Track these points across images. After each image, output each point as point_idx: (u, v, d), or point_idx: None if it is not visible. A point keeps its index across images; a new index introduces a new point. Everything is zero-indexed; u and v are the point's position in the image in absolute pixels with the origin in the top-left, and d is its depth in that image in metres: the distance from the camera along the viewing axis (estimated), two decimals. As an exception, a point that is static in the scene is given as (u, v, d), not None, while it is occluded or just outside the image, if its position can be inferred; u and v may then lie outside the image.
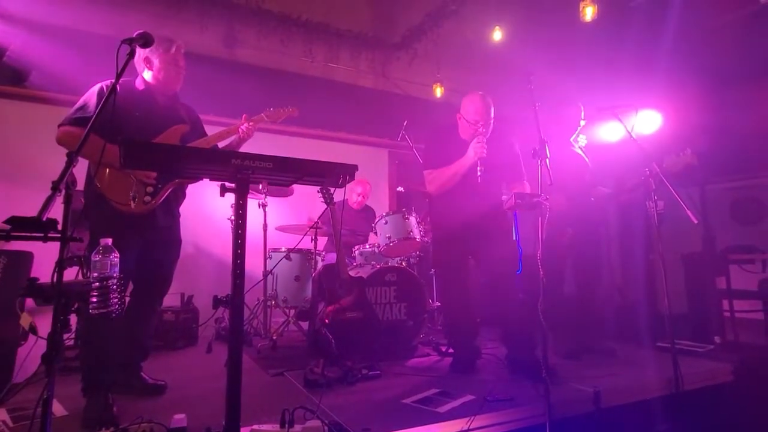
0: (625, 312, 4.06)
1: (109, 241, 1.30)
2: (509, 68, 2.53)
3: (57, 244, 1.19)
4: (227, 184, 1.57)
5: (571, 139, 3.27)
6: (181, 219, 2.47)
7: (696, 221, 2.40)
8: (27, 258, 3.04)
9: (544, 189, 2.03)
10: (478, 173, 2.46)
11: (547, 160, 2.04)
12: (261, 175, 1.58)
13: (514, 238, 2.97)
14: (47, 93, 3.38)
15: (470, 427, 1.86)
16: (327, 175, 1.68)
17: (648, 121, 3.69)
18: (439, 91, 5.05)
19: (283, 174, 1.64)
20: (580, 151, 3.28)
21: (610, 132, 4.00)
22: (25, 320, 1.99)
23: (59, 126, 2.07)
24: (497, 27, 4.33)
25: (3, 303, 2.42)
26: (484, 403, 2.06)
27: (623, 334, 3.66)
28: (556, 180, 2.03)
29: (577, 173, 3.13)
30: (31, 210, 1.18)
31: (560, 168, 2.32)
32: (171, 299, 3.72)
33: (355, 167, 1.73)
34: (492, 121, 2.68)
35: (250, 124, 2.44)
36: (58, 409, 2.05)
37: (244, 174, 1.52)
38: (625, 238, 4.94)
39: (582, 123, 3.24)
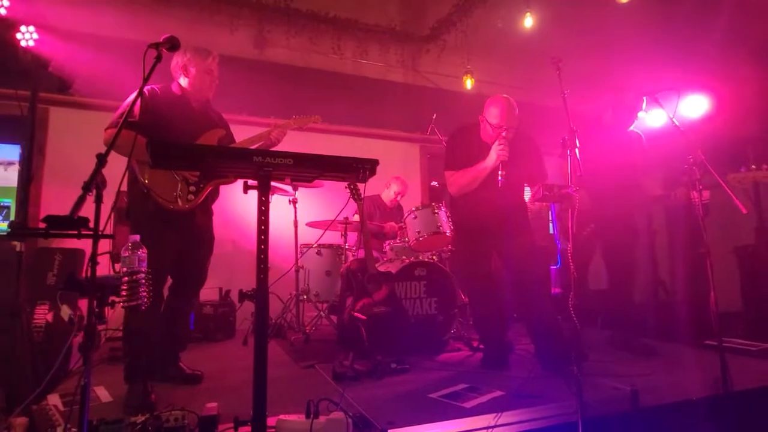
0: (670, 308, 3.86)
1: (138, 237, 1.36)
2: (541, 56, 2.44)
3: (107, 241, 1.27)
4: (250, 181, 1.61)
5: (628, 130, 3.10)
6: (220, 217, 2.57)
7: (745, 211, 2.25)
8: (79, 255, 3.26)
9: (573, 180, 1.96)
10: (500, 177, 2.42)
11: (577, 150, 1.97)
12: (282, 171, 1.61)
13: (550, 231, 2.91)
14: (91, 99, 3.61)
15: (497, 423, 1.82)
16: (348, 170, 1.69)
17: (694, 105, 3.48)
18: (469, 83, 4.96)
19: (304, 170, 1.66)
20: (640, 135, 3.10)
21: (651, 118, 3.82)
22: (65, 312, 2.13)
23: (106, 129, 2.19)
24: (528, 13, 4.20)
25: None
26: (513, 399, 2.02)
27: (667, 331, 3.48)
28: (584, 175, 1.95)
29: (613, 171, 2.96)
30: (84, 211, 1.26)
31: (594, 163, 2.23)
32: (210, 293, 3.89)
33: (376, 161, 1.72)
34: (516, 124, 2.59)
35: (279, 130, 2.51)
36: (104, 395, 2.19)
37: (265, 171, 1.55)
38: (671, 231, 4.70)
39: (642, 114, 3.07)
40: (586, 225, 2.94)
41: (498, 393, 2.14)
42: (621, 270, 3.08)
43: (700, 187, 2.42)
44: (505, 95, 2.64)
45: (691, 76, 3.60)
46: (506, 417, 1.86)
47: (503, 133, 2.51)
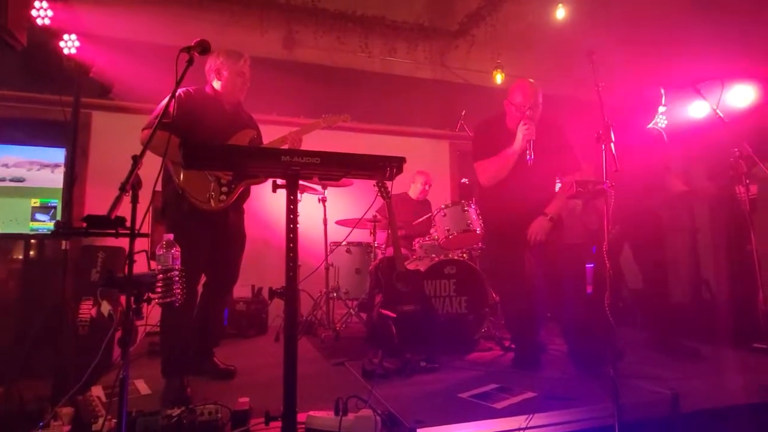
0: (714, 309, 3.68)
1: (172, 236, 1.41)
2: (574, 48, 2.38)
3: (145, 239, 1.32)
4: (278, 181, 1.63)
5: (648, 126, 2.99)
6: (252, 215, 2.63)
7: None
8: (120, 252, 3.40)
9: (609, 176, 1.89)
10: (529, 156, 2.40)
11: (612, 145, 1.90)
12: (310, 170, 1.63)
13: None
14: (129, 103, 3.76)
15: (528, 425, 1.79)
16: (374, 168, 1.69)
17: (740, 95, 3.29)
18: (499, 78, 4.87)
19: (331, 169, 1.67)
20: (660, 131, 2.99)
21: (694, 110, 3.64)
22: (104, 308, 2.23)
23: (142, 130, 2.28)
24: (560, 4, 4.08)
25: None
26: (545, 401, 1.97)
27: (711, 333, 3.32)
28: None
29: (635, 171, 2.85)
30: (122, 211, 1.31)
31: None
32: (242, 290, 3.98)
33: (402, 159, 1.72)
34: (540, 107, 2.58)
35: (296, 130, 2.56)
36: (143, 387, 2.28)
37: (293, 170, 1.57)
38: (715, 228, 4.48)
39: (662, 109, 2.95)
40: (612, 225, 2.85)
41: (530, 394, 2.09)
42: (653, 269, 2.98)
43: (747, 181, 2.30)
44: (529, 78, 2.63)
45: (736, 64, 3.40)
46: (538, 419, 1.82)
47: (527, 113, 2.51)
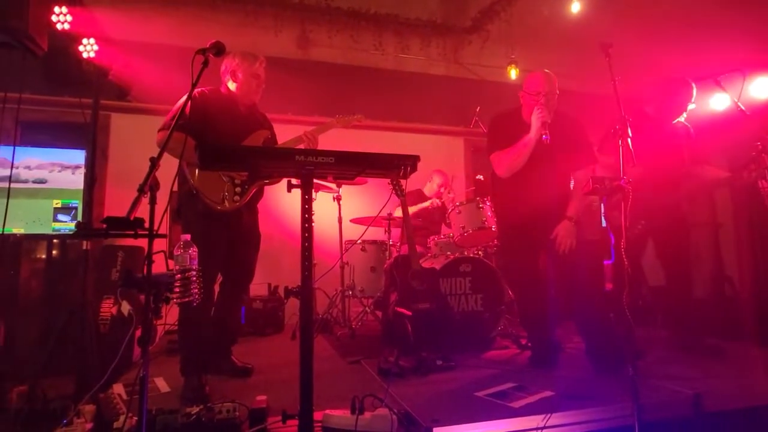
0: (737, 306, 3.59)
1: (189, 236, 1.43)
2: (590, 42, 2.34)
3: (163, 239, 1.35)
4: (293, 181, 1.64)
5: (674, 122, 2.92)
6: (268, 214, 2.65)
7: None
8: (139, 252, 3.46)
9: (626, 172, 1.85)
10: (546, 137, 2.38)
11: (630, 140, 1.86)
12: (324, 170, 1.63)
13: (603, 225, 2.80)
14: (147, 104, 3.83)
15: (546, 425, 1.77)
16: (388, 167, 1.69)
17: (761, 87, 3.21)
18: (513, 73, 4.82)
19: (345, 168, 1.68)
20: (687, 126, 2.93)
21: (715, 102, 3.55)
22: (125, 308, 2.27)
23: (158, 131, 2.31)
24: (575, -3, 4.02)
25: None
26: (563, 400, 1.95)
27: (735, 330, 3.24)
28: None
29: (663, 163, 2.79)
30: (141, 211, 1.34)
31: (639, 158, 2.10)
32: (259, 289, 4.02)
33: (417, 157, 1.71)
34: (556, 96, 2.55)
35: (311, 129, 2.56)
36: (162, 385, 2.32)
37: (307, 170, 1.58)
38: (738, 224, 4.36)
39: (692, 106, 2.87)
40: (637, 221, 2.80)
41: (547, 393, 2.07)
42: (676, 266, 2.92)
43: (771, 175, 2.23)
44: (544, 69, 2.61)
45: (759, 55, 3.30)
46: (556, 418, 1.80)
47: (542, 100, 2.49)
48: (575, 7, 4.06)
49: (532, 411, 1.85)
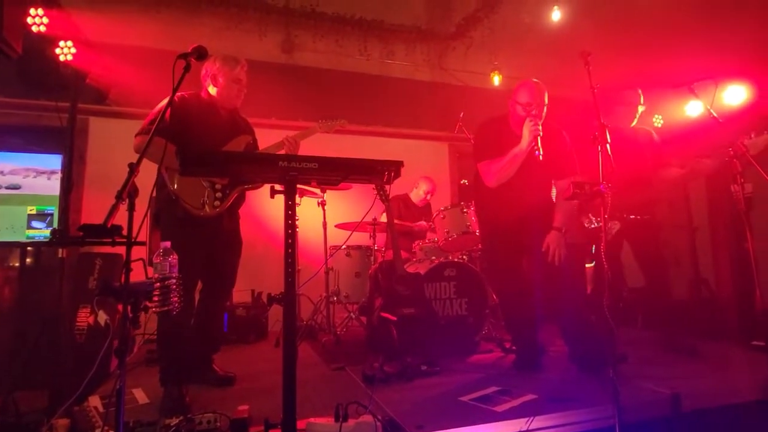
0: (713, 307, 3.68)
1: (168, 244, 1.40)
2: (571, 50, 2.38)
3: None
4: (276, 186, 1.62)
5: (631, 126, 3.02)
6: (250, 219, 2.62)
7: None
8: (118, 260, 3.39)
9: (605, 177, 1.89)
10: (538, 153, 2.36)
11: (608, 146, 1.90)
12: (307, 175, 1.62)
13: (585, 225, 2.86)
14: (126, 108, 3.77)
15: (529, 428, 1.78)
16: (372, 173, 1.69)
17: (732, 95, 3.31)
18: (497, 79, 4.88)
19: (329, 174, 1.67)
20: (649, 130, 3.03)
21: (689, 109, 3.65)
22: (101, 318, 2.21)
23: (136, 135, 2.27)
24: (556, 6, 4.10)
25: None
26: (546, 403, 1.96)
27: (711, 331, 3.32)
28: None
29: (627, 164, 2.87)
30: (119, 218, 1.30)
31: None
32: (242, 295, 3.97)
33: (400, 163, 1.71)
34: (545, 108, 2.56)
35: (293, 135, 2.54)
36: (141, 396, 2.27)
37: (291, 175, 1.57)
38: (713, 227, 4.48)
39: (641, 108, 2.97)
40: (611, 224, 2.88)
41: (530, 396, 2.09)
42: (653, 267, 3.00)
43: (742, 180, 2.30)
44: (534, 79, 2.62)
45: (729, 64, 3.41)
46: (539, 421, 1.81)
47: (533, 111, 2.49)
48: (556, 15, 4.14)
49: (515, 414, 1.86)
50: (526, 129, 2.44)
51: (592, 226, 2.96)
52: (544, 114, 2.57)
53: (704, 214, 4.87)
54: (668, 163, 3.00)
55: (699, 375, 2.38)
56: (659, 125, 3.26)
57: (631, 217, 2.88)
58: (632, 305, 3.71)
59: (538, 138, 2.39)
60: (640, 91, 2.94)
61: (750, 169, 2.29)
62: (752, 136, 2.35)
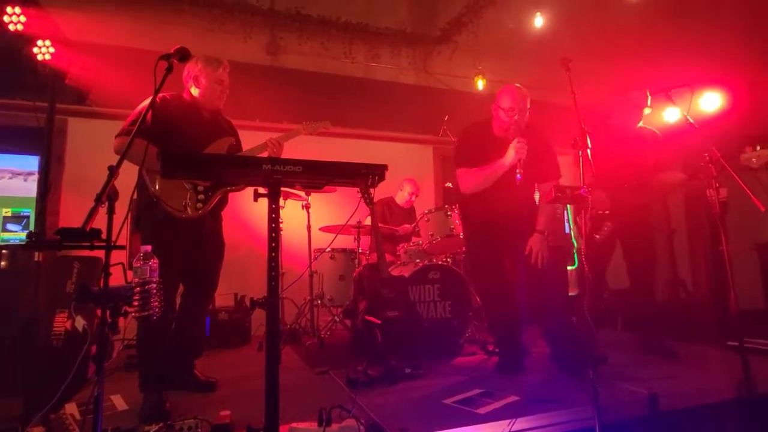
0: (691, 308, 3.78)
1: (149, 248, 1.38)
2: (553, 56, 2.43)
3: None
4: (260, 190, 1.61)
5: (639, 126, 3.06)
6: (234, 222, 2.58)
7: (764, 209, 2.19)
8: (97, 263, 3.32)
9: (586, 181, 1.92)
10: (518, 175, 2.38)
11: (588, 151, 1.93)
12: (292, 179, 1.61)
13: (567, 231, 2.90)
14: (107, 109, 3.70)
15: (512, 430, 1.80)
16: (357, 177, 1.69)
17: (708, 101, 3.40)
18: (481, 84, 4.94)
19: (313, 177, 1.66)
20: (654, 131, 3.08)
21: (667, 115, 3.74)
22: (78, 323, 2.17)
23: (116, 137, 2.22)
24: (538, 12, 4.17)
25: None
26: (528, 405, 1.99)
27: (688, 332, 3.40)
28: (599, 175, 1.93)
29: (628, 165, 2.92)
30: (98, 221, 1.28)
31: (608, 163, 2.20)
32: (225, 299, 3.92)
33: (385, 167, 1.72)
34: (527, 112, 2.60)
35: (277, 137, 2.52)
36: (120, 403, 2.22)
37: (275, 179, 1.56)
38: (691, 230, 4.59)
39: (647, 110, 3.01)
40: (603, 225, 2.91)
41: (513, 398, 2.11)
42: (640, 269, 3.04)
43: (717, 184, 2.36)
44: (517, 84, 2.65)
45: (705, 72, 3.52)
46: (521, 423, 1.83)
47: (515, 116, 2.52)
48: (538, 22, 4.21)
49: (497, 416, 1.88)
50: (513, 148, 2.44)
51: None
52: (525, 118, 2.60)
53: (682, 218, 4.99)
54: (670, 166, 3.05)
55: (676, 375, 2.43)
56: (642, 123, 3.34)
57: (624, 220, 2.92)
58: (613, 307, 3.78)
59: (521, 160, 2.40)
60: (648, 93, 2.96)
61: (725, 173, 2.35)
62: (757, 147, 2.38)
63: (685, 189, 3.77)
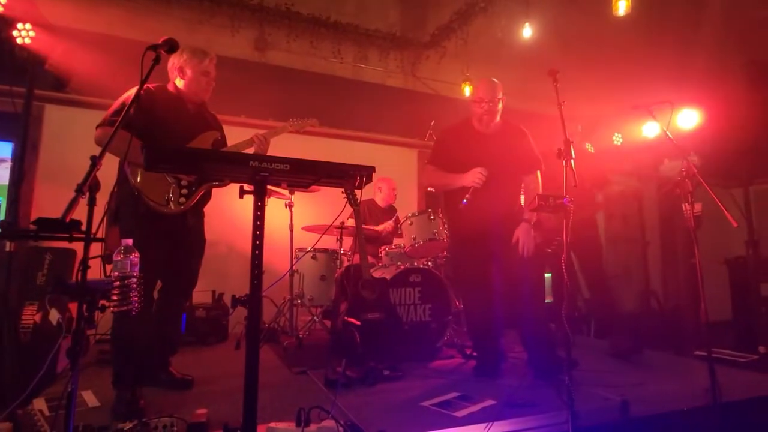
0: (662, 319, 3.89)
1: (131, 241, 1.35)
2: (539, 66, 2.49)
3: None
4: (246, 186, 1.59)
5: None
6: (214, 218, 2.55)
7: (736, 224, 2.27)
8: (70, 255, 3.22)
9: (568, 191, 1.97)
10: (464, 201, 2.54)
11: (572, 161, 1.98)
12: (279, 177, 1.60)
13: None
14: (88, 97, 3.60)
15: (488, 434, 1.82)
16: (344, 177, 1.68)
17: (687, 118, 3.52)
18: (468, 90, 4.99)
19: (300, 176, 1.65)
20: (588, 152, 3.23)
21: (646, 130, 3.85)
22: (53, 316, 2.10)
23: (97, 127, 2.17)
24: (527, 23, 4.24)
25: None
26: (504, 409, 2.01)
27: (660, 341, 3.50)
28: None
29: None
30: (77, 212, 1.24)
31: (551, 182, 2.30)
32: (202, 296, 3.85)
33: (372, 168, 1.72)
34: (499, 103, 2.70)
35: (263, 132, 2.50)
36: (91, 399, 2.16)
37: (261, 176, 1.54)
38: (664, 243, 4.72)
39: (589, 147, 3.18)
40: (554, 240, 3.07)
41: (490, 402, 2.13)
42: (594, 279, 3.23)
43: (692, 199, 2.44)
44: (490, 77, 2.77)
45: (684, 89, 3.64)
46: (497, 427, 1.85)
47: (484, 106, 2.65)
48: (527, 32, 4.28)
49: (474, 420, 1.90)
50: (471, 174, 2.58)
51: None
52: (497, 109, 2.70)
53: (656, 230, 5.13)
54: (609, 180, 3.20)
55: (646, 382, 2.50)
56: (618, 143, 3.43)
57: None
58: (586, 314, 3.88)
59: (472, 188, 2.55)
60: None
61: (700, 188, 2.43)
62: (666, 161, 2.56)
63: (660, 203, 3.90)
